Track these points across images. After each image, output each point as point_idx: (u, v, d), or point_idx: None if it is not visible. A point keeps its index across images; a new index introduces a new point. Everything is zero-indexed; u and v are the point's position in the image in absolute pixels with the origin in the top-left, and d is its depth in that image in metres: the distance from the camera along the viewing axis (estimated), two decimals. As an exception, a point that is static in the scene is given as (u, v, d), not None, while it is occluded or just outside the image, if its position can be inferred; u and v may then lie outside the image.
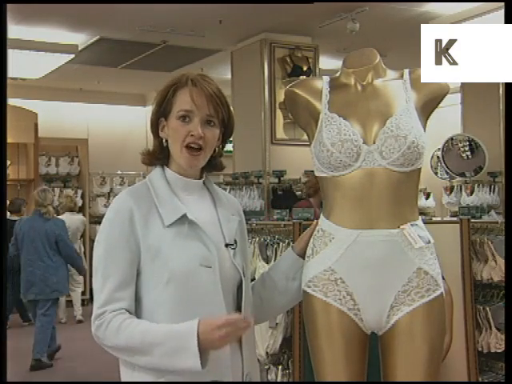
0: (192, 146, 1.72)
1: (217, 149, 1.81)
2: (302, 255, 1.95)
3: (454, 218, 4.36)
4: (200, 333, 1.57)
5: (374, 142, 1.84)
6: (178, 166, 1.77)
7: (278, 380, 3.72)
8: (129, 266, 1.66)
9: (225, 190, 8.00)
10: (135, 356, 1.63)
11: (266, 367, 3.77)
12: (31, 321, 8.10)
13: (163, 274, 1.65)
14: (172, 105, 1.74)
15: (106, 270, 1.67)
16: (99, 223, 1.86)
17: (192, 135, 1.71)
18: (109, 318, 1.63)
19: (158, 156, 1.79)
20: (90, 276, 2.31)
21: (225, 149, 1.89)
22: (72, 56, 8.03)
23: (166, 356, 1.59)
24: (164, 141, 1.78)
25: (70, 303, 8.42)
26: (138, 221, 1.67)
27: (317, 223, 1.95)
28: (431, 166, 9.01)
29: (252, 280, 2.01)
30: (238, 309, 1.75)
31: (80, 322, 8.19)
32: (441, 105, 1.98)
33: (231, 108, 1.82)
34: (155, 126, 1.79)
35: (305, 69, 7.54)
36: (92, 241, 8.91)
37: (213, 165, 1.84)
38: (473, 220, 3.71)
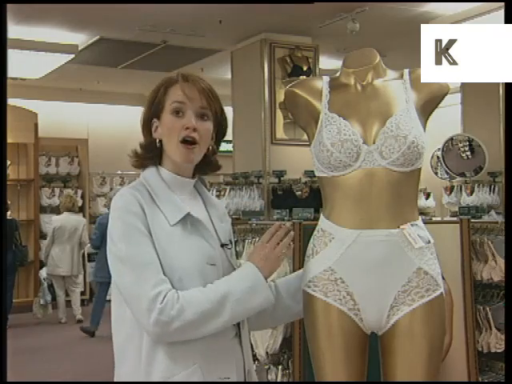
0: (187, 139, 1.71)
1: (211, 147, 1.80)
2: None
3: (454, 218, 4.36)
4: (256, 263, 1.66)
5: (374, 142, 1.84)
6: (173, 164, 1.76)
7: (278, 380, 3.72)
8: (154, 251, 1.64)
9: (225, 190, 7.94)
10: (208, 321, 1.60)
11: (266, 367, 3.77)
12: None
13: (172, 272, 1.63)
14: (164, 102, 1.75)
15: (137, 259, 1.61)
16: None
17: (187, 128, 1.71)
18: (171, 295, 1.58)
19: (149, 156, 1.78)
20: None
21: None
22: (72, 56, 8.03)
23: (240, 302, 1.63)
24: (158, 141, 1.77)
25: (69, 303, 8.42)
26: (147, 213, 1.66)
27: None
28: (431, 166, 8.99)
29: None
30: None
31: (80, 321, 8.19)
32: (441, 105, 1.98)
33: (223, 106, 1.82)
34: (147, 127, 1.79)
35: (305, 69, 7.54)
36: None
37: (207, 163, 1.83)
38: (473, 220, 3.71)
